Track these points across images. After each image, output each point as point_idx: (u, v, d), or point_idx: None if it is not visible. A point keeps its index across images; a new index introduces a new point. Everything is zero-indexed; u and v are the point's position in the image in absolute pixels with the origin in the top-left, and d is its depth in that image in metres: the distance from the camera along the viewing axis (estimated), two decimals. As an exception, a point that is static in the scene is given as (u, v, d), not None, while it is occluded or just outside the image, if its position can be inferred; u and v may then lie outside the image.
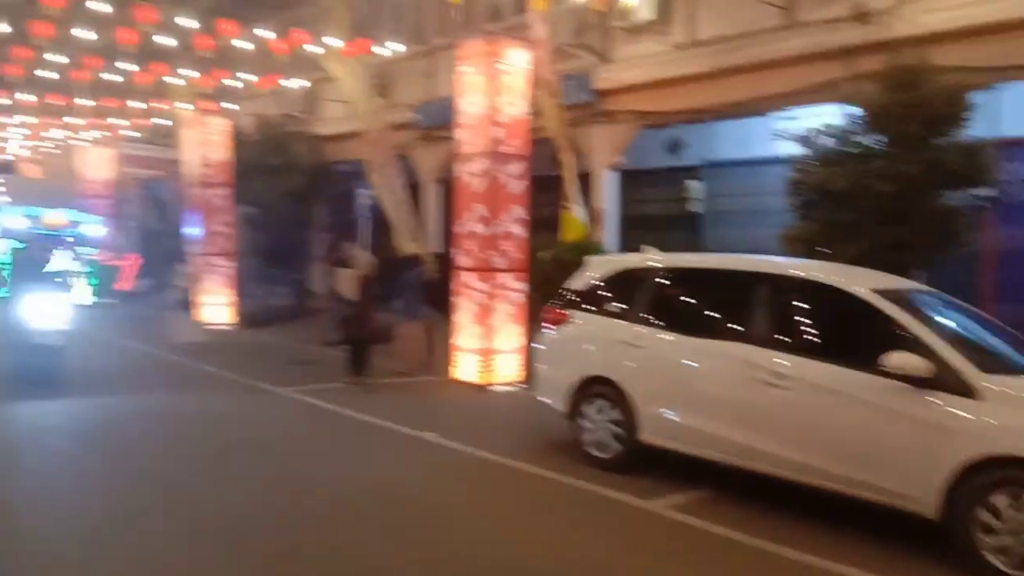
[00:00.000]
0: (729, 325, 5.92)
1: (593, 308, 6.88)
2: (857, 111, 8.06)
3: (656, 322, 6.34)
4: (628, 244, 11.78)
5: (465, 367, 10.08)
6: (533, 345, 7.54)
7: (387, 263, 12.36)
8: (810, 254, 7.65)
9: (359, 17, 16.15)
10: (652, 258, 6.83)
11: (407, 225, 13.43)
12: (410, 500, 5.68)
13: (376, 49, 13.35)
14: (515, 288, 10.13)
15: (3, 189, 19.91)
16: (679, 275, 6.60)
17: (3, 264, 17.67)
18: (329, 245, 17.33)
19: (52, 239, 18.55)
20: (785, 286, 5.75)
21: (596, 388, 6.57)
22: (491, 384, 9.84)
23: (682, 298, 6.58)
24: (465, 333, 10.05)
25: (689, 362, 6.03)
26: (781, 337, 5.52)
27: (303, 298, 17.47)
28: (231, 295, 15.80)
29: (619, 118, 11.98)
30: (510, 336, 10.05)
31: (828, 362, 5.21)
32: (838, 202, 7.94)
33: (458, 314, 10.12)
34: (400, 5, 15.88)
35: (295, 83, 17.36)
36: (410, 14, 15.67)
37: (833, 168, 7.97)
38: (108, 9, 16.30)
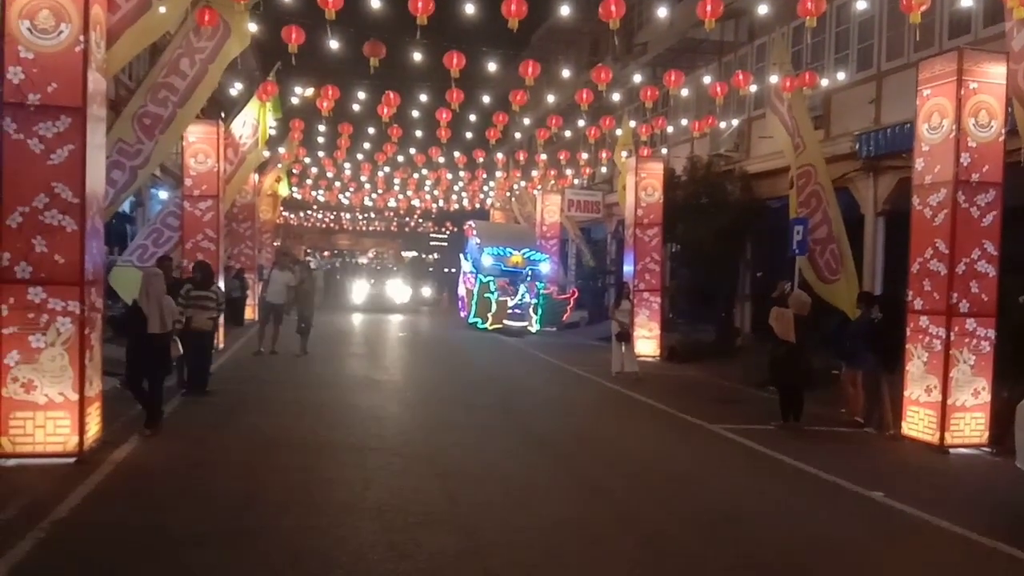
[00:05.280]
0: None
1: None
2: None
3: None
4: None
5: (917, 423, 8.99)
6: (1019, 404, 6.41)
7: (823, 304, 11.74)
8: None
9: (798, 50, 15.80)
10: None
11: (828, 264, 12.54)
12: (863, 565, 5.28)
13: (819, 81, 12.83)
14: (982, 336, 8.76)
15: (475, 233, 23.67)
16: None
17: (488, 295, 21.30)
18: (761, 283, 17.06)
19: (515, 275, 21.71)
20: None
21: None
22: (949, 444, 8.62)
23: None
24: (918, 384, 8.97)
25: None
26: None
27: (729, 335, 17.44)
28: (657, 329, 16.52)
29: None
30: (974, 391, 8.71)
31: None
32: None
33: (911, 363, 9.09)
34: (843, 32, 15.10)
35: (729, 123, 17.66)
36: (854, 40, 14.79)
37: None
38: (568, 74, 18.59)
